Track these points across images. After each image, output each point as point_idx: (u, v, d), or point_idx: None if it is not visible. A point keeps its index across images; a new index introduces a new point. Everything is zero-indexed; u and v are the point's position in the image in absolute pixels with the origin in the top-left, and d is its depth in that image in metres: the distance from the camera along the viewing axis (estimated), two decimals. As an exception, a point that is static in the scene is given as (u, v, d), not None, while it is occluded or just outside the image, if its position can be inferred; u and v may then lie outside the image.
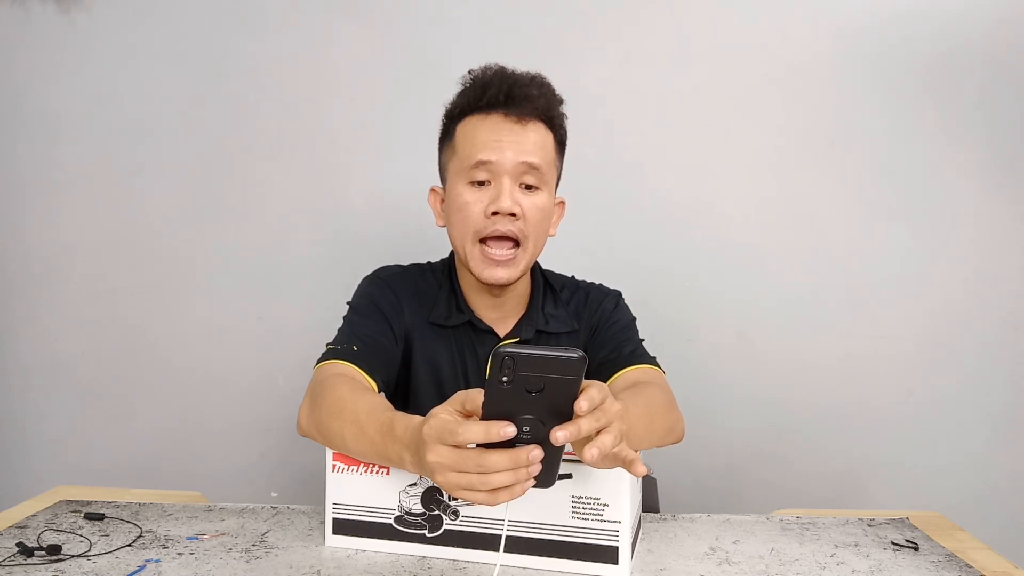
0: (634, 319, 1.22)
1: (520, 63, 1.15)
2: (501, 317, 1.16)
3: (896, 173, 1.69)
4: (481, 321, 1.14)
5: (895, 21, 1.65)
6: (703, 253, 1.71)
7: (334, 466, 0.93)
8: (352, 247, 1.73)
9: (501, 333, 1.15)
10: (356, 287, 1.17)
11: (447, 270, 1.19)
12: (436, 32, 1.69)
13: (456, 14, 1.68)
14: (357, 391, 0.95)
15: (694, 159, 1.70)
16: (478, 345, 1.15)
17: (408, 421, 0.82)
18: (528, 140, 1.06)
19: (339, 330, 1.11)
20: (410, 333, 1.14)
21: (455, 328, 1.14)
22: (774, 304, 1.71)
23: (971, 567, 0.90)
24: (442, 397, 1.11)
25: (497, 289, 1.12)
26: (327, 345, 1.07)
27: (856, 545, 0.97)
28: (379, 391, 1.04)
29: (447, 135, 1.13)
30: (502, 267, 1.07)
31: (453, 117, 1.11)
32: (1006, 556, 0.94)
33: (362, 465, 0.92)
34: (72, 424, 1.78)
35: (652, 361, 1.14)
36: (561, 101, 1.11)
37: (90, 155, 1.74)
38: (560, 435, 0.67)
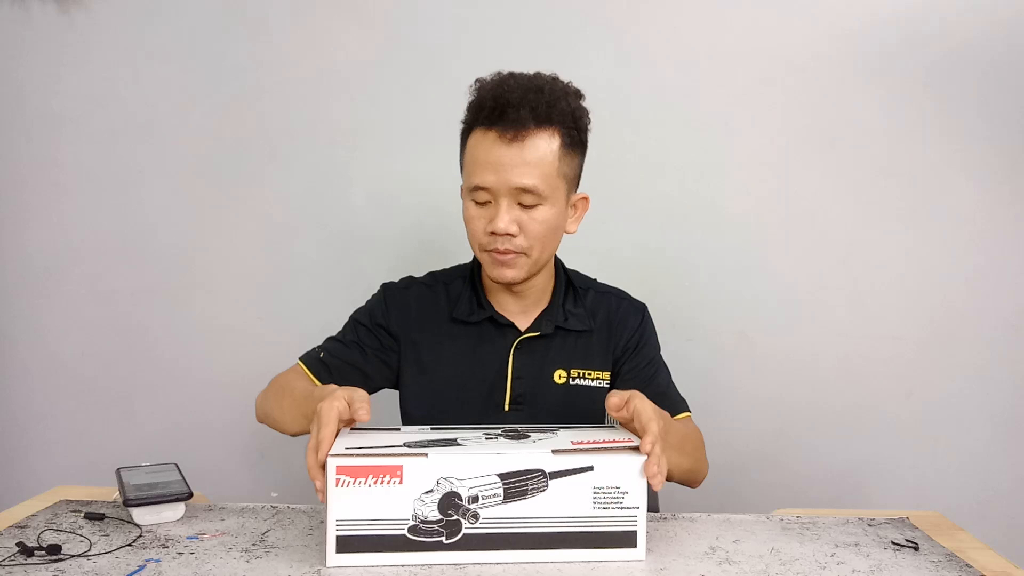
0: (658, 344, 1.26)
1: (521, 63, 1.15)
2: (522, 311, 1.20)
3: (896, 173, 1.68)
4: (502, 316, 1.19)
5: (895, 21, 1.65)
6: (704, 253, 1.71)
7: (338, 480, 0.85)
8: (353, 247, 1.73)
9: (522, 327, 1.19)
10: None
11: (469, 271, 1.24)
12: (437, 32, 1.68)
13: (457, 14, 1.68)
14: (297, 378, 1.15)
15: (695, 159, 1.70)
16: (499, 338, 1.19)
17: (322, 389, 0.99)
18: (523, 160, 1.05)
19: (344, 326, 1.24)
20: (411, 339, 1.20)
21: (477, 324, 1.19)
22: (774, 304, 1.71)
23: (971, 567, 0.91)
24: (462, 389, 1.18)
25: (513, 285, 1.17)
26: (326, 339, 1.22)
27: (856, 545, 0.98)
28: None
29: (462, 144, 1.13)
30: (508, 267, 1.11)
31: (464, 127, 1.12)
32: (1006, 556, 0.94)
33: (370, 476, 0.86)
34: (72, 424, 1.78)
35: (685, 407, 1.20)
36: (571, 95, 1.11)
37: (90, 155, 1.74)
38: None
